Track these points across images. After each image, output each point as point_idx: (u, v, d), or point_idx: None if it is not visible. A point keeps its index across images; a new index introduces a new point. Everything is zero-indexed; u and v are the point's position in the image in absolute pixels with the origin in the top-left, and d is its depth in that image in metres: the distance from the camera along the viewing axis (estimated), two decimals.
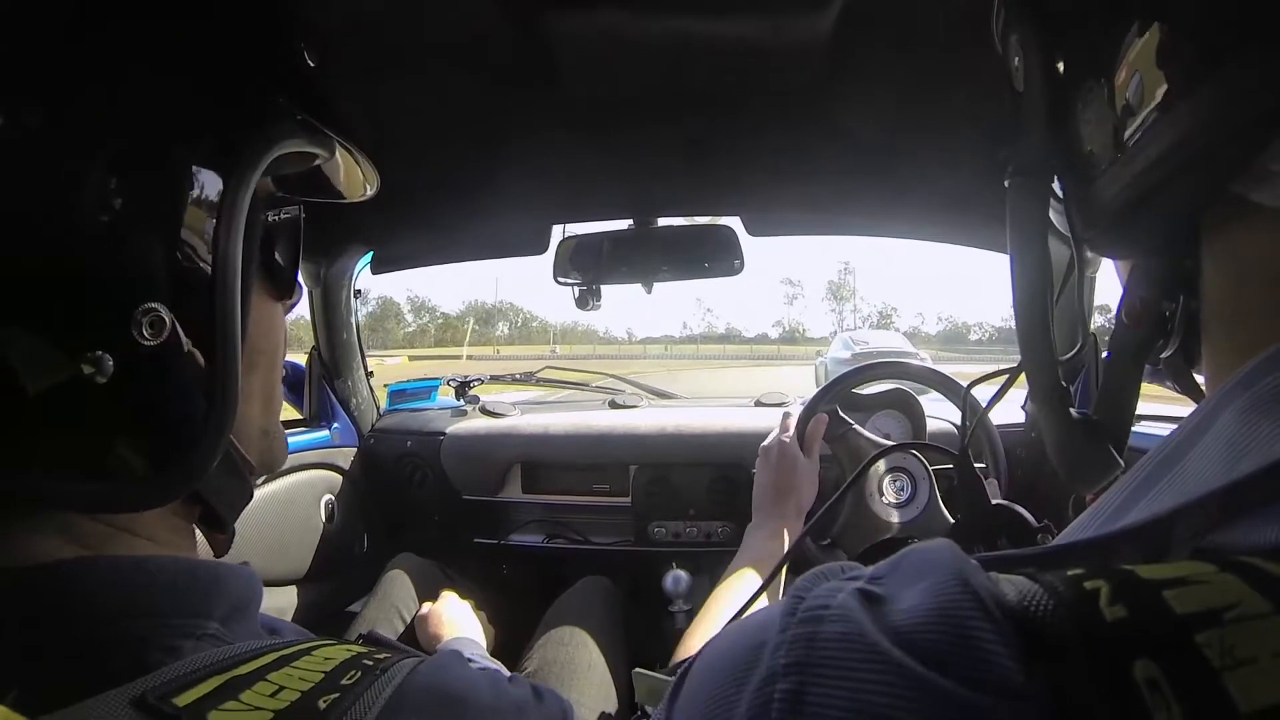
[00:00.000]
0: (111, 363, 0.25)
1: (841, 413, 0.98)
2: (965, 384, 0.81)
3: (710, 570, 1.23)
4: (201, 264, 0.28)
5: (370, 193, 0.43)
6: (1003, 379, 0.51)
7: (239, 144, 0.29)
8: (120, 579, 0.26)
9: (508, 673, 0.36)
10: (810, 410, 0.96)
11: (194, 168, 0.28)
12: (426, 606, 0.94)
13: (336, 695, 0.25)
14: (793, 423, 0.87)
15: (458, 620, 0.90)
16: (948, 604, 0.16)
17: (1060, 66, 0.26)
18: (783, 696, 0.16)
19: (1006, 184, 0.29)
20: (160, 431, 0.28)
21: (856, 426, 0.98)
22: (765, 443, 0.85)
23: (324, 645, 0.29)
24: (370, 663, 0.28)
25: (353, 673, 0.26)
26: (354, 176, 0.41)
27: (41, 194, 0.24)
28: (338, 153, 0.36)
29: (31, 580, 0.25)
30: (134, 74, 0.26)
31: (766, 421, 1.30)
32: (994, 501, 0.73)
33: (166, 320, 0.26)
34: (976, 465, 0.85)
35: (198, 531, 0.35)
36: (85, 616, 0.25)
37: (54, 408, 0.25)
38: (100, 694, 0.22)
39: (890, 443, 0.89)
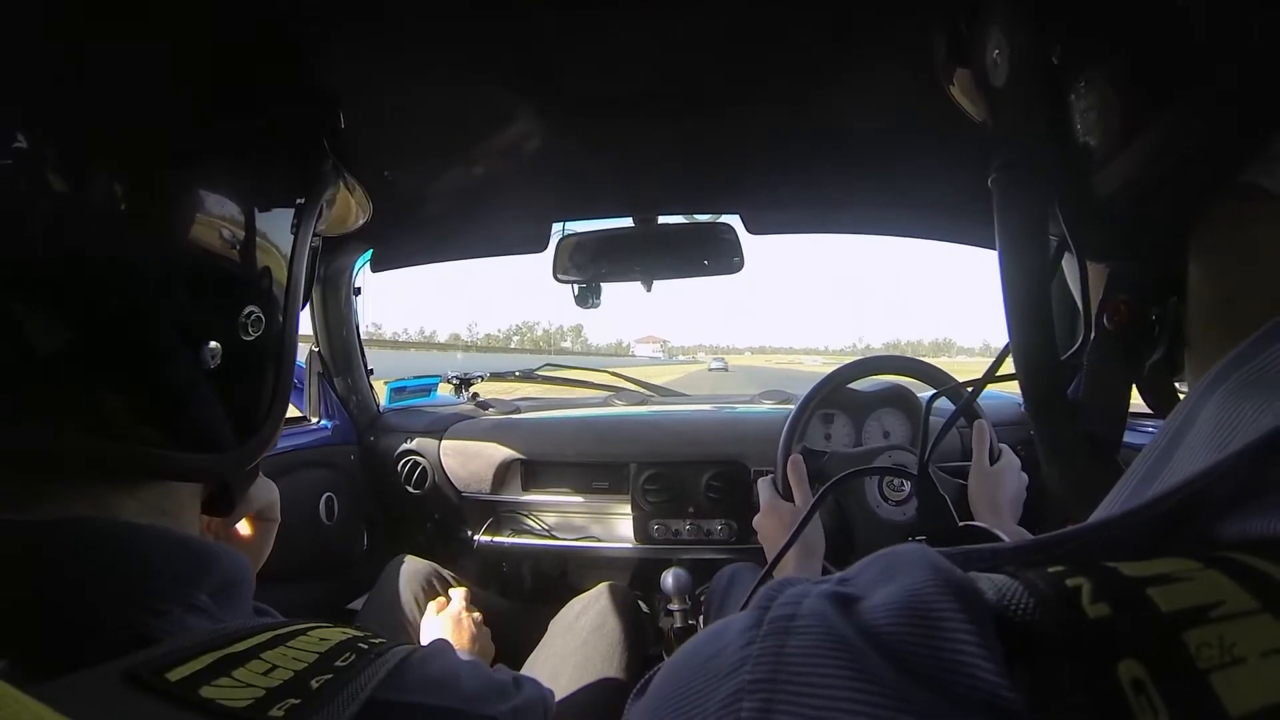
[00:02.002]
0: (221, 352, 0.31)
1: (810, 446, 0.98)
2: (959, 381, 0.80)
3: (709, 568, 1.23)
4: (279, 279, 0.35)
5: (361, 222, 0.52)
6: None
7: (307, 191, 0.38)
8: (114, 540, 0.27)
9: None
10: (785, 452, 0.97)
11: (282, 208, 0.36)
12: (434, 611, 0.94)
13: (330, 676, 0.25)
14: (765, 488, 0.87)
15: (464, 631, 0.90)
16: (921, 602, 0.15)
17: (1053, 57, 0.24)
18: (750, 716, 0.16)
19: (991, 182, 0.28)
20: (243, 411, 0.34)
21: (833, 451, 0.98)
22: (755, 519, 0.86)
23: (320, 627, 0.29)
24: (365, 646, 0.28)
25: (347, 655, 0.27)
26: (351, 210, 0.50)
27: (202, 223, 0.31)
28: (341, 189, 0.44)
29: (29, 535, 0.25)
30: (252, 145, 0.35)
31: (766, 418, 1.30)
32: (961, 524, 0.71)
33: (263, 320, 0.33)
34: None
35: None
36: (75, 572, 0.25)
37: (168, 388, 0.30)
38: (92, 666, 0.22)
39: (862, 465, 0.87)
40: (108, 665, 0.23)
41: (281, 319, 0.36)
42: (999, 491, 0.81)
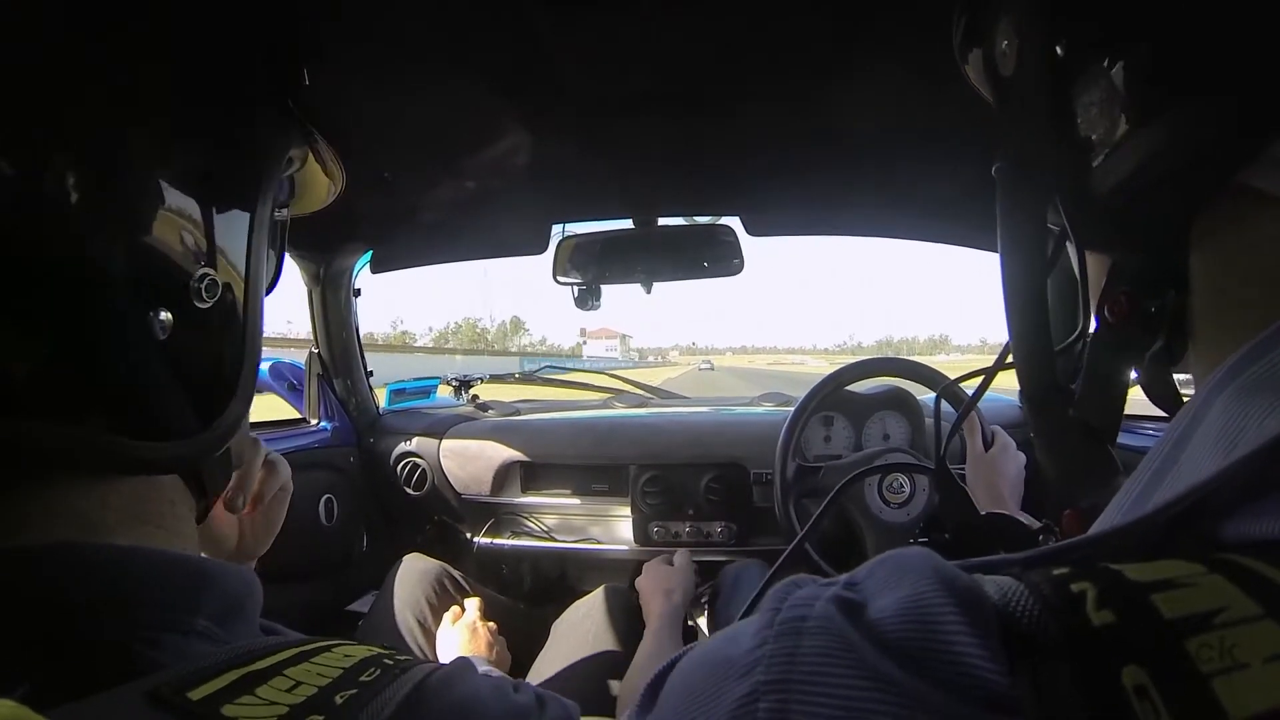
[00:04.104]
0: (172, 321, 0.28)
1: (807, 454, 1.04)
2: (951, 379, 0.81)
3: (708, 571, 1.23)
4: (237, 242, 0.32)
5: (334, 195, 0.48)
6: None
7: (268, 144, 0.35)
8: (101, 568, 0.26)
9: (513, 681, 0.35)
10: (784, 453, 1.01)
11: (240, 162, 0.33)
12: (449, 621, 0.95)
13: (354, 691, 0.24)
14: (680, 558, 1.08)
15: (480, 640, 0.91)
16: (923, 605, 0.16)
17: (1059, 49, 0.25)
18: (767, 716, 0.16)
19: (994, 172, 0.28)
20: (203, 389, 0.31)
21: (828, 465, 1.01)
22: (650, 561, 1.08)
23: (345, 644, 0.28)
24: (390, 662, 0.27)
25: (372, 670, 0.26)
26: (321, 182, 0.46)
27: (131, 183, 0.28)
28: (309, 160, 0.41)
29: (17, 564, 0.24)
30: (202, 92, 0.32)
31: (765, 420, 1.30)
32: (984, 511, 0.71)
33: (219, 284, 0.30)
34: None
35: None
36: (65, 604, 0.24)
37: (111, 364, 0.27)
38: (111, 688, 0.22)
39: (865, 465, 0.88)
40: (128, 686, 0.22)
41: (244, 282, 0.33)
42: (996, 476, 0.81)
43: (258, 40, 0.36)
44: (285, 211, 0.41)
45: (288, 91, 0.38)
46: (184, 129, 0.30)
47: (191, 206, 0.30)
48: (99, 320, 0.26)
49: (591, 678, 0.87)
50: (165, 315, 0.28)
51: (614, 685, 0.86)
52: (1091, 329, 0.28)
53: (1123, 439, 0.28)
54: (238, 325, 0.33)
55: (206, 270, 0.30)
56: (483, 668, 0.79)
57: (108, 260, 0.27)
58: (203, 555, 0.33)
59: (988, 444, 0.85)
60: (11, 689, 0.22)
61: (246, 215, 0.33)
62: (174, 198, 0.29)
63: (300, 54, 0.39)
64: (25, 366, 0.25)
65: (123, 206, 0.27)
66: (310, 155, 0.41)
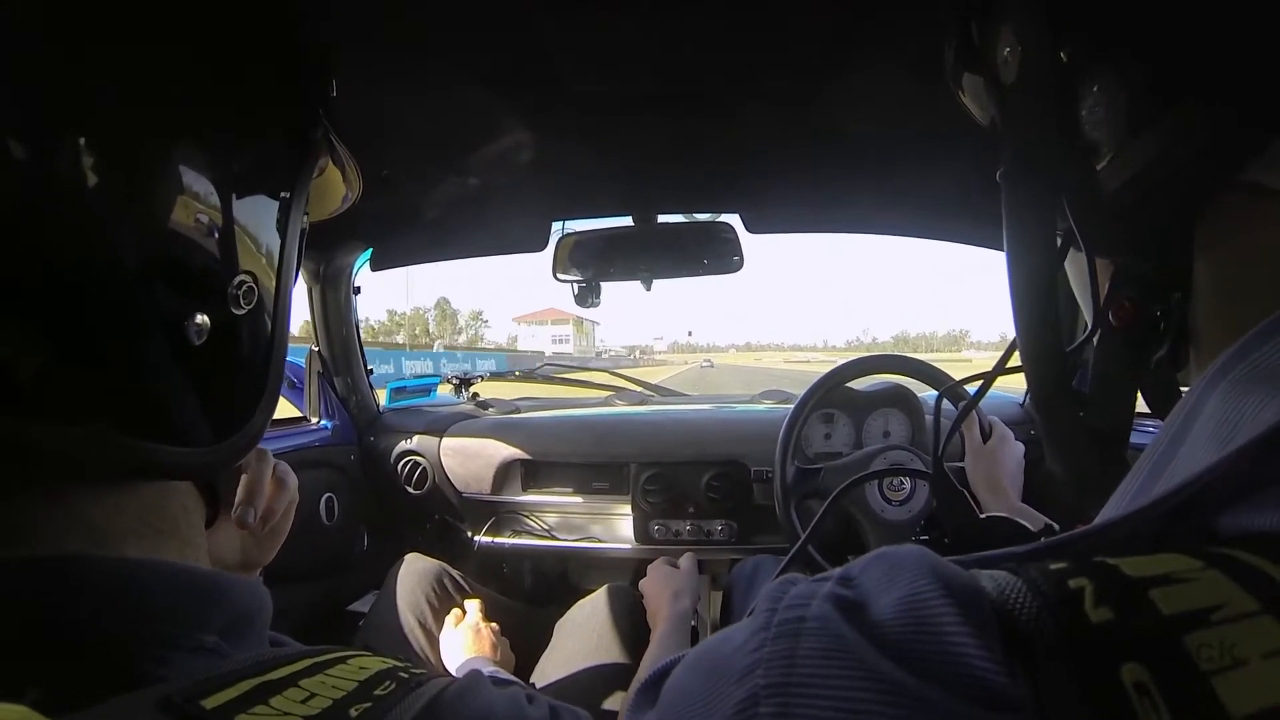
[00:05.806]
0: (209, 325, 0.28)
1: (808, 453, 1.06)
2: (954, 379, 0.80)
3: (709, 569, 1.23)
4: (270, 247, 0.32)
5: (350, 202, 0.49)
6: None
7: (299, 155, 0.35)
8: (112, 582, 0.25)
9: (526, 690, 0.35)
10: (784, 451, 1.02)
11: (276, 169, 0.33)
12: (452, 624, 0.95)
13: (369, 705, 0.24)
14: (686, 561, 1.04)
15: (484, 641, 0.91)
16: (921, 604, 0.16)
17: (1063, 55, 0.25)
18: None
19: (999, 177, 0.28)
20: (234, 393, 0.31)
21: (828, 465, 1.01)
22: (654, 562, 1.04)
23: (360, 655, 0.28)
24: (405, 675, 0.27)
25: (387, 683, 0.26)
26: (338, 191, 0.46)
27: (162, 184, 0.27)
28: (329, 167, 0.41)
29: (29, 573, 0.24)
30: (241, 106, 0.31)
31: (766, 418, 1.30)
32: (983, 515, 0.71)
33: (256, 290, 0.30)
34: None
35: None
36: (75, 617, 0.24)
37: (146, 368, 0.27)
38: (121, 695, 0.22)
39: (865, 471, 0.87)
40: (139, 694, 0.22)
41: (275, 289, 0.32)
42: (996, 467, 0.81)
43: (294, 48, 0.35)
44: (307, 219, 0.41)
45: (320, 99, 0.37)
46: (217, 132, 0.30)
47: (228, 212, 0.29)
48: (128, 322, 0.26)
49: (599, 680, 0.87)
50: (201, 319, 0.28)
51: (620, 685, 0.87)
52: (1096, 334, 0.28)
53: None
54: (268, 331, 0.33)
55: (244, 277, 0.30)
56: (488, 669, 0.79)
57: (139, 263, 0.26)
58: (217, 569, 0.33)
59: (985, 435, 0.85)
60: (20, 695, 0.21)
61: (281, 223, 0.33)
62: (210, 202, 0.28)
63: (331, 63, 0.39)
64: (52, 368, 0.24)
65: (154, 209, 0.26)
66: (329, 163, 0.41)
